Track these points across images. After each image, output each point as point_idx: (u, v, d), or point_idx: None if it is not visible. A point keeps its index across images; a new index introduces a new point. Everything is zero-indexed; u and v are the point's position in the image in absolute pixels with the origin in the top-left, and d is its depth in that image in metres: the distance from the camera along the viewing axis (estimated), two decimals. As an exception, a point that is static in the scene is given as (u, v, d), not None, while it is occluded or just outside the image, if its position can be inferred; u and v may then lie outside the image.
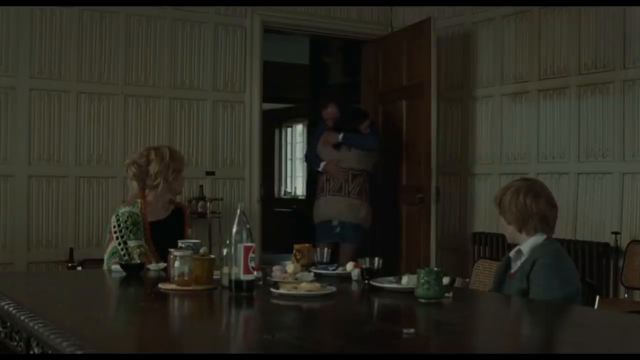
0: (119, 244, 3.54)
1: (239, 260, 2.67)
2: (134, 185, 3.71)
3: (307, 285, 2.74)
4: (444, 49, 6.17)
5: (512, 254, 3.07)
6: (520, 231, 3.00)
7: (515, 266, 3.04)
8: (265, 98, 6.34)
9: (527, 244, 2.99)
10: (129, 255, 3.49)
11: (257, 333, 2.34)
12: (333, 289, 2.76)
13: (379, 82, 6.63)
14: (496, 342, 2.24)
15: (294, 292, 2.70)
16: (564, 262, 2.94)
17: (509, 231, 3.05)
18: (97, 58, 5.53)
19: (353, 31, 6.60)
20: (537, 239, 2.98)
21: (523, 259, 2.99)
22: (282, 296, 2.69)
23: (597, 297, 3.15)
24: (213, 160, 5.94)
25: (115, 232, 3.56)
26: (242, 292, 2.68)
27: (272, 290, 2.75)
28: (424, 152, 5.93)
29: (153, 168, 3.67)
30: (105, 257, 3.58)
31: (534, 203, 2.99)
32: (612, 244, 5.00)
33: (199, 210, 5.69)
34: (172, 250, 2.94)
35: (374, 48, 6.68)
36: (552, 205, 3.03)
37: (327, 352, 1.99)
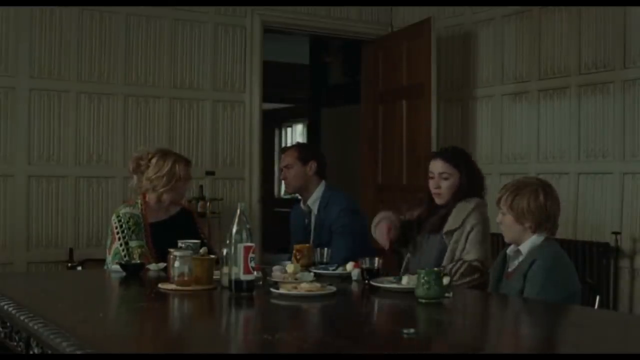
0: (121, 244, 3.54)
1: (239, 260, 2.67)
2: (134, 178, 3.73)
3: (307, 285, 2.74)
4: (444, 49, 6.17)
5: (510, 251, 3.05)
6: (534, 231, 2.96)
7: (513, 265, 3.02)
8: (265, 98, 6.34)
9: (527, 243, 2.97)
10: (129, 255, 3.49)
11: (257, 333, 2.34)
12: (333, 289, 2.76)
13: (379, 82, 6.63)
14: (496, 342, 2.25)
15: (294, 292, 2.70)
16: (562, 265, 2.93)
17: (516, 230, 2.99)
18: (97, 58, 5.53)
19: (353, 31, 6.60)
20: (536, 239, 2.97)
21: (521, 258, 2.98)
22: (282, 296, 2.69)
23: (597, 297, 3.15)
24: (213, 160, 5.94)
25: (118, 233, 3.56)
26: (242, 292, 2.68)
27: (272, 290, 2.75)
28: (424, 152, 5.93)
29: (148, 173, 3.67)
30: (109, 258, 3.58)
31: (552, 204, 2.98)
32: (612, 244, 5.00)
33: (199, 210, 5.69)
34: (172, 250, 2.94)
35: (374, 48, 6.68)
36: (560, 206, 3.04)
37: (327, 352, 1.99)
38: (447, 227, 3.39)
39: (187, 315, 2.65)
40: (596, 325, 2.45)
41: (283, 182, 4.28)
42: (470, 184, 3.45)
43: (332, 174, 4.41)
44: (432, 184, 3.46)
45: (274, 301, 2.70)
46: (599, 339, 2.23)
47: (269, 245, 6.76)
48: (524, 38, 5.64)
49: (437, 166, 3.46)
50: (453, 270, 3.26)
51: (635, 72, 4.92)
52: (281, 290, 2.72)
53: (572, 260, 3.03)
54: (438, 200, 3.47)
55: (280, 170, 4.28)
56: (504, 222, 3.02)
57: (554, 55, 5.43)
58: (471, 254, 3.33)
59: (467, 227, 3.36)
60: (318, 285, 2.77)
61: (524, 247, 2.97)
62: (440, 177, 3.44)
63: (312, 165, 4.12)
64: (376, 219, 3.62)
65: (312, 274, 3.07)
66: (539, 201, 2.95)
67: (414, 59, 6.12)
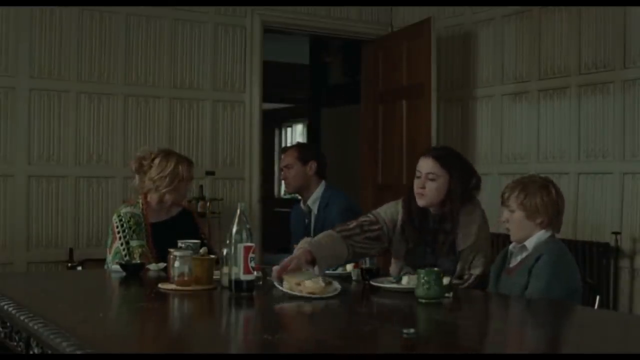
0: (121, 244, 3.54)
1: (239, 260, 2.67)
2: (136, 178, 3.74)
3: (310, 284, 2.71)
4: (444, 49, 6.17)
5: (513, 248, 3.04)
6: (544, 227, 2.96)
7: (515, 261, 3.01)
8: (265, 98, 6.34)
9: (533, 239, 2.97)
10: (130, 255, 3.49)
11: (257, 333, 2.34)
12: (338, 287, 2.75)
13: (379, 82, 6.63)
14: (496, 342, 2.25)
15: (295, 293, 2.69)
16: (565, 262, 2.93)
17: (526, 227, 2.96)
18: (97, 58, 5.53)
19: (353, 31, 6.60)
20: (543, 234, 2.97)
21: (525, 254, 2.97)
22: (282, 296, 2.69)
23: (597, 297, 3.15)
24: (213, 160, 5.94)
25: (118, 232, 3.56)
26: (242, 292, 2.68)
27: (277, 285, 2.74)
28: (424, 152, 5.92)
29: (151, 173, 3.67)
30: (109, 257, 3.58)
31: (561, 200, 2.99)
32: (612, 244, 5.00)
33: (199, 210, 5.69)
34: (172, 250, 2.94)
35: (374, 48, 6.68)
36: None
37: (327, 352, 1.99)
38: (463, 246, 3.16)
39: (187, 315, 2.65)
40: (596, 325, 2.45)
41: (283, 182, 4.29)
42: (464, 188, 3.18)
43: (332, 174, 4.41)
44: (417, 183, 3.20)
45: (273, 301, 2.70)
46: (599, 339, 2.23)
47: (269, 245, 6.75)
48: (524, 38, 5.64)
49: (426, 165, 3.19)
50: (464, 286, 3.14)
51: (635, 72, 4.92)
52: (285, 287, 2.71)
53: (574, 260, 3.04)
54: (420, 202, 3.19)
55: (281, 170, 4.28)
56: (513, 219, 2.98)
57: (554, 55, 5.42)
58: (478, 268, 3.17)
59: (479, 243, 3.17)
60: (322, 284, 2.72)
61: (530, 243, 2.96)
62: (426, 177, 3.17)
63: (312, 165, 4.13)
64: (296, 248, 3.12)
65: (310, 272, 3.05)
66: (552, 196, 2.96)
67: (414, 59, 6.12)
